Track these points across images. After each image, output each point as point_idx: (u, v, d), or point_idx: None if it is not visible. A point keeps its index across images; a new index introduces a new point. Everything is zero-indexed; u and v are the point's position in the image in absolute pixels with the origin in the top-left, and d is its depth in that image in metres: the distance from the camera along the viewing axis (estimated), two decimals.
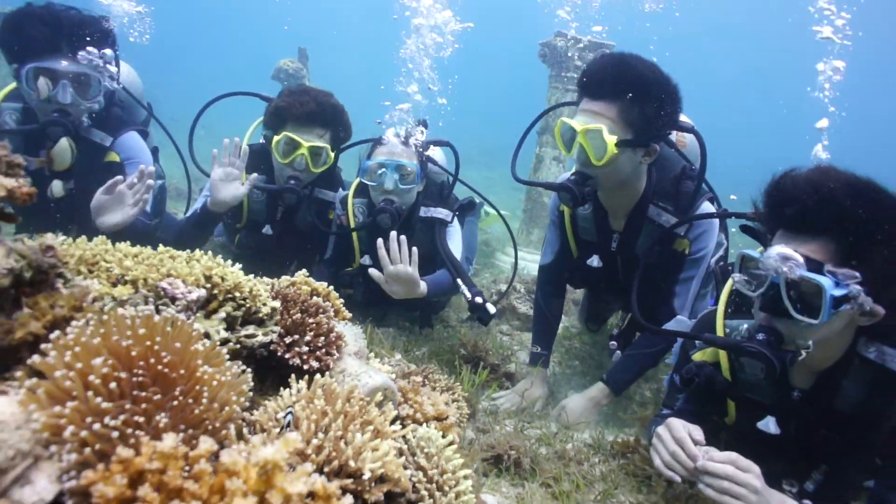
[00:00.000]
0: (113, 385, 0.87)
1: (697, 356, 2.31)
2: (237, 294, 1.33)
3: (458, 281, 3.11)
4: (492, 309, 3.00)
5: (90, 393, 0.85)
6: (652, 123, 2.53)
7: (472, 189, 4.03)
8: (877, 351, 1.82)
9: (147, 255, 1.41)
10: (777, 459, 2.08)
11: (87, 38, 2.77)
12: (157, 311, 1.20)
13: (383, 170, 3.22)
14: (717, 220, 2.83)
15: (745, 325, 2.03)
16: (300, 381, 1.32)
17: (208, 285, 1.29)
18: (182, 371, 0.97)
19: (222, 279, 1.31)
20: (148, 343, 0.94)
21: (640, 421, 2.87)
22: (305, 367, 1.45)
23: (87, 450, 0.82)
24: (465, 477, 1.28)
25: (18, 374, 0.96)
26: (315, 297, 1.66)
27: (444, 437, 1.36)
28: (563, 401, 3.04)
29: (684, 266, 2.81)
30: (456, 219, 3.54)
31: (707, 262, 2.84)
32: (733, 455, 1.76)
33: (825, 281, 1.63)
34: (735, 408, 2.22)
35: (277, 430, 1.12)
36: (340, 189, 3.70)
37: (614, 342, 3.16)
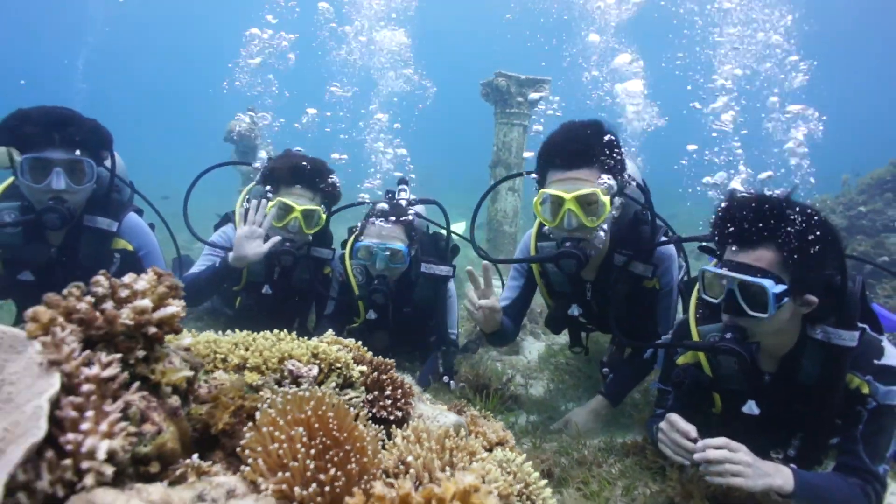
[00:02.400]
0: (312, 451, 1.15)
1: (681, 360, 2.70)
2: (337, 365, 1.61)
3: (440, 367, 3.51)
4: (452, 385, 3.40)
5: (297, 459, 1.12)
6: (619, 177, 2.87)
7: (461, 236, 4.28)
8: (822, 332, 2.25)
9: (249, 342, 1.67)
10: (761, 434, 2.47)
11: (78, 131, 2.92)
12: (281, 386, 1.46)
13: (374, 252, 3.45)
14: (675, 256, 3.21)
15: (715, 329, 2.43)
16: (398, 429, 1.60)
17: (316, 361, 1.56)
18: (346, 434, 1.25)
19: (326, 354, 1.58)
20: (320, 414, 1.22)
21: (639, 422, 3.24)
22: (391, 417, 1.73)
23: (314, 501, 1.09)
24: (546, 485, 1.59)
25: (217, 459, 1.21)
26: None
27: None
28: (568, 414, 3.37)
29: (659, 300, 3.17)
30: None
31: (676, 291, 3.22)
32: (725, 440, 2.10)
33: (766, 282, 2.05)
34: (720, 398, 2.61)
35: (404, 470, 1.40)
36: (334, 247, 3.94)
37: (606, 369, 3.49)
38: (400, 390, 1.80)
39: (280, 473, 1.11)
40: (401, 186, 3.90)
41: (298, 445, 1.14)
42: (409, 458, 1.41)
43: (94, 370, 1.04)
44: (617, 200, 2.86)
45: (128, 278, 1.21)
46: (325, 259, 3.88)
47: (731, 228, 2.19)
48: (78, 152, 2.89)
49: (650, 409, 3.21)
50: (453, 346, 3.87)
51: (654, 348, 2.99)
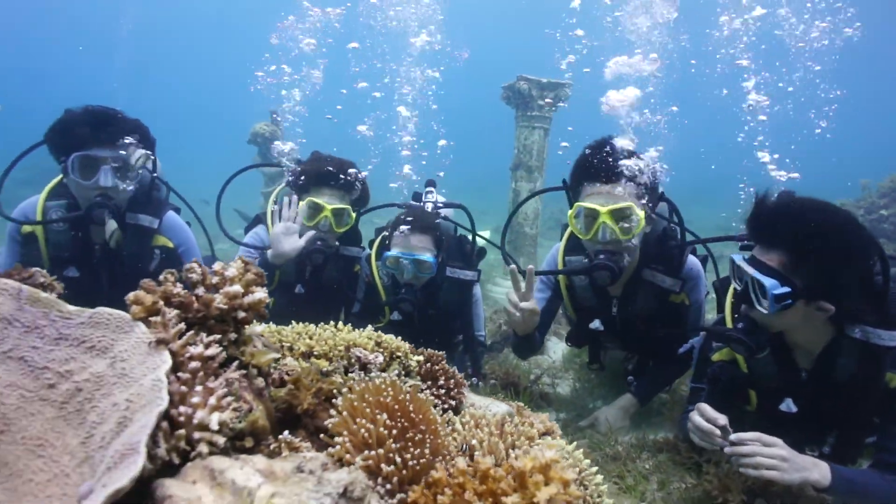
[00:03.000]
0: (394, 431, 1.22)
1: (716, 357, 2.73)
2: (398, 354, 1.67)
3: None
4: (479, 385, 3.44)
5: (383, 439, 1.19)
6: (652, 194, 2.88)
7: (489, 241, 4.32)
8: (861, 331, 2.28)
9: (311, 332, 1.74)
10: (797, 431, 2.50)
11: (123, 130, 3.01)
12: (349, 373, 1.53)
13: (402, 264, 3.44)
14: (703, 274, 3.22)
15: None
16: (455, 416, 1.67)
17: (380, 349, 1.63)
18: (421, 416, 1.31)
19: (388, 343, 1.65)
20: (400, 399, 1.29)
21: (669, 420, 3.28)
22: (446, 405, 1.79)
23: (395, 479, 1.16)
24: (596, 473, 1.65)
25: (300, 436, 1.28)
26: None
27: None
28: (596, 412, 3.42)
29: (689, 315, 3.17)
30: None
31: (704, 307, 3.21)
32: (757, 434, 2.12)
33: (769, 282, 2.10)
34: (756, 395, 2.65)
35: (469, 452, 1.46)
36: (363, 245, 3.98)
37: (631, 377, 3.52)
38: (453, 380, 1.86)
39: (367, 451, 1.17)
40: (428, 188, 3.93)
41: (381, 427, 1.21)
42: (474, 442, 1.47)
43: (199, 349, 1.11)
44: (643, 213, 2.88)
45: (218, 266, 1.28)
46: (355, 257, 3.92)
47: (754, 227, 2.25)
48: (123, 151, 2.97)
49: (679, 408, 3.26)
50: (481, 347, 3.92)
51: (676, 337, 3.01)
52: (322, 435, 1.22)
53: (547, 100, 6.63)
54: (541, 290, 3.55)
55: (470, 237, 4.06)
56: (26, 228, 3.06)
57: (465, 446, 1.38)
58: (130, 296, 1.21)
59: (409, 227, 3.47)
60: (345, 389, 1.32)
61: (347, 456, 1.17)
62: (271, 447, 1.16)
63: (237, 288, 1.23)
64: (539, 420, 2.02)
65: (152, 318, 1.15)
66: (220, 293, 1.22)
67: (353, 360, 1.56)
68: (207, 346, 1.12)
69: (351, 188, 3.64)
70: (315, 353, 1.61)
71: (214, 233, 3.97)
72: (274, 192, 4.12)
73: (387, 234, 3.65)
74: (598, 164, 2.82)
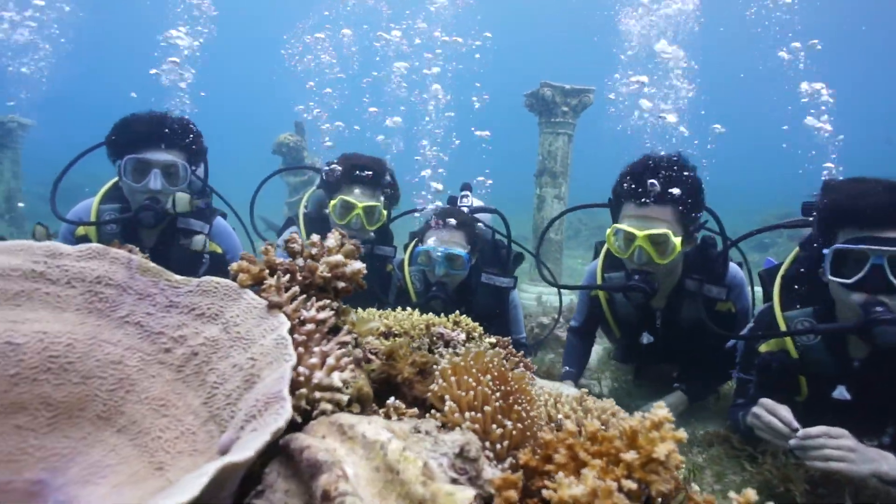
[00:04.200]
0: (497, 394, 1.22)
1: (763, 348, 2.71)
2: (474, 334, 1.68)
3: None
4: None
5: (489, 402, 1.19)
6: (696, 216, 2.84)
7: (523, 248, 4.31)
8: None
9: (383, 314, 1.76)
10: (852, 422, 2.47)
11: (179, 137, 3.06)
12: (432, 350, 1.54)
13: (434, 257, 3.41)
14: (745, 278, 3.15)
15: (802, 315, 2.43)
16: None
17: (459, 328, 1.64)
18: (517, 386, 1.32)
19: (466, 322, 1.66)
20: (502, 369, 1.29)
21: (717, 414, 3.25)
22: None
23: (505, 442, 1.16)
24: None
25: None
26: None
27: None
28: (643, 408, 3.39)
29: (737, 324, 3.10)
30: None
31: (750, 313, 3.13)
32: (824, 427, 2.08)
33: None
34: (807, 384, 2.61)
35: (558, 423, 1.46)
36: (396, 244, 3.95)
37: (677, 384, 3.46)
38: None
39: (474, 413, 1.18)
40: (463, 192, 3.94)
41: (486, 390, 1.21)
42: (560, 416, 1.48)
43: (312, 312, 1.12)
44: (680, 240, 2.80)
45: (315, 237, 1.30)
46: (387, 257, 3.92)
47: (867, 209, 2.11)
48: (174, 156, 3.01)
49: (725, 402, 3.23)
50: (523, 349, 3.88)
51: (753, 340, 2.91)
52: (429, 394, 1.23)
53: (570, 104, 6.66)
54: (584, 301, 3.51)
55: (506, 242, 4.04)
56: (80, 231, 3.10)
57: (558, 419, 1.38)
58: (234, 265, 1.23)
59: (442, 222, 3.47)
60: (443, 359, 1.33)
61: (456, 416, 1.18)
62: (381, 412, 1.17)
63: (339, 257, 1.25)
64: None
65: (263, 285, 1.16)
66: (322, 262, 1.24)
67: (435, 338, 1.57)
68: (320, 309, 1.13)
69: (381, 185, 3.65)
70: (394, 331, 1.62)
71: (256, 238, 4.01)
72: (304, 196, 4.16)
73: (419, 239, 3.65)
74: (638, 185, 2.75)
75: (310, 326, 1.10)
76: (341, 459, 0.90)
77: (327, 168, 3.71)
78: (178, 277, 1.22)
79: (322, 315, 1.13)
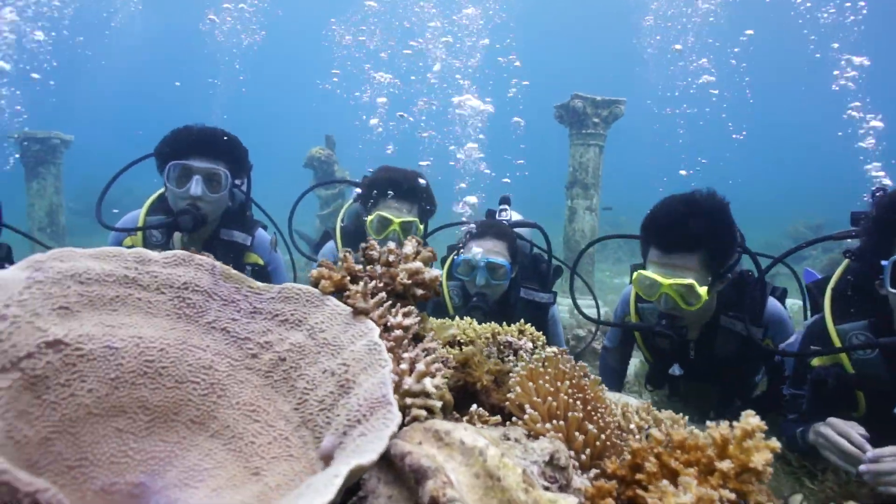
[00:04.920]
0: (577, 403, 1.21)
1: (816, 362, 2.63)
2: (539, 342, 1.67)
3: None
4: None
5: (571, 410, 1.18)
6: (728, 259, 2.69)
7: (562, 262, 4.28)
8: None
9: (457, 324, 1.75)
10: None
11: (224, 148, 3.12)
12: (501, 358, 1.53)
13: (475, 265, 3.33)
14: (787, 316, 2.98)
15: (857, 328, 2.36)
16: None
17: (525, 336, 1.62)
18: (593, 394, 1.30)
19: (531, 331, 1.65)
20: (577, 376, 1.28)
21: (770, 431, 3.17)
22: None
23: (588, 451, 1.14)
24: None
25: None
26: None
27: None
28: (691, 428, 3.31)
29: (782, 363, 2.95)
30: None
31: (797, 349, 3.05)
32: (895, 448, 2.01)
33: None
34: (864, 399, 2.54)
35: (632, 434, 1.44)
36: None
37: (713, 414, 3.35)
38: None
39: (556, 422, 1.17)
40: (502, 206, 3.92)
41: (568, 399, 1.20)
42: (632, 426, 1.45)
43: (399, 318, 1.12)
44: (706, 290, 2.66)
45: (391, 244, 1.31)
46: None
47: None
48: (217, 164, 3.06)
49: (773, 418, 3.15)
50: None
51: (805, 357, 2.79)
52: (507, 402, 1.22)
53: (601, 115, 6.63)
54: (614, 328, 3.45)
55: (545, 257, 3.98)
56: (127, 242, 3.16)
57: (630, 428, 1.36)
58: (315, 272, 1.24)
59: (482, 232, 3.42)
60: (518, 367, 1.32)
61: (539, 426, 1.17)
62: (465, 419, 1.16)
63: (418, 264, 1.25)
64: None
65: (347, 292, 1.17)
66: (402, 269, 1.24)
67: (502, 346, 1.56)
68: (405, 316, 1.14)
69: (419, 199, 3.64)
70: (460, 340, 1.61)
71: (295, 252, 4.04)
72: (341, 210, 4.18)
73: (458, 250, 3.60)
74: (662, 232, 2.63)
75: (397, 333, 1.10)
76: (443, 466, 0.90)
77: (363, 183, 3.72)
78: (259, 284, 1.23)
79: (408, 321, 1.13)
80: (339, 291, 1.22)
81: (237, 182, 3.34)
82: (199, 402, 1.06)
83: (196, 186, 3.00)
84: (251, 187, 3.44)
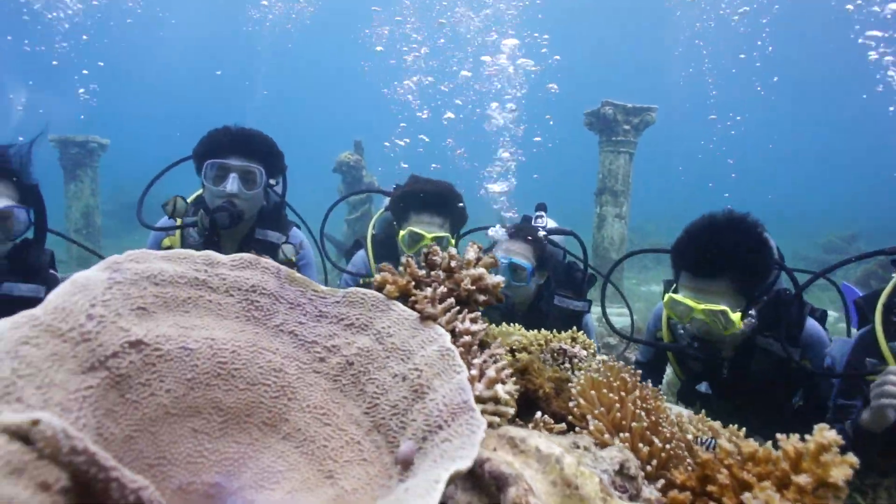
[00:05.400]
0: (641, 414, 1.19)
1: (871, 377, 2.55)
2: (591, 350, 1.66)
3: None
4: None
5: (637, 420, 1.17)
6: (763, 283, 2.62)
7: (596, 271, 4.24)
8: None
9: (511, 331, 1.75)
10: None
11: (259, 148, 3.16)
12: (561, 365, 1.52)
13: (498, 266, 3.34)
14: (826, 336, 2.88)
15: None
16: None
17: (576, 344, 1.61)
18: (654, 403, 1.29)
19: (582, 339, 1.64)
20: (630, 382, 1.27)
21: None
22: None
23: (654, 461, 1.13)
24: None
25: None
26: None
27: None
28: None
29: (817, 382, 2.85)
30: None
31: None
32: None
33: None
34: None
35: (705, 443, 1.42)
36: None
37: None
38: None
39: (622, 433, 1.16)
40: (538, 213, 3.90)
41: (633, 408, 1.19)
42: (689, 436, 1.43)
43: (467, 324, 1.12)
44: (739, 316, 2.59)
45: (452, 250, 1.31)
46: None
47: None
48: (252, 163, 3.11)
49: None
50: None
51: (851, 377, 2.69)
52: (567, 410, 1.21)
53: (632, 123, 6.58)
54: (648, 339, 3.39)
55: (579, 265, 3.94)
56: (165, 242, 3.21)
57: (703, 439, 1.34)
58: (379, 277, 1.25)
59: (511, 234, 3.40)
60: (577, 375, 1.31)
61: (606, 437, 1.16)
62: (530, 426, 1.16)
63: (481, 270, 1.25)
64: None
65: (413, 297, 1.17)
66: (465, 275, 1.24)
67: (556, 354, 1.55)
68: (473, 322, 1.14)
69: (450, 212, 3.56)
70: (513, 347, 1.61)
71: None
72: (374, 217, 4.19)
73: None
74: (694, 257, 2.57)
75: (466, 339, 1.10)
76: (522, 473, 0.89)
77: (395, 194, 3.71)
78: (323, 288, 1.24)
79: (475, 327, 1.13)
80: (404, 297, 1.22)
81: (272, 182, 3.38)
82: (270, 404, 1.07)
83: (232, 184, 3.05)
84: (287, 189, 3.47)
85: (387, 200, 4.01)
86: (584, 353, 1.59)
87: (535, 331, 1.76)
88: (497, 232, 3.50)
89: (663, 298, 3.10)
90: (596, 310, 3.66)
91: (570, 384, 1.38)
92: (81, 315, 0.94)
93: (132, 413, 0.95)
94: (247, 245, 3.32)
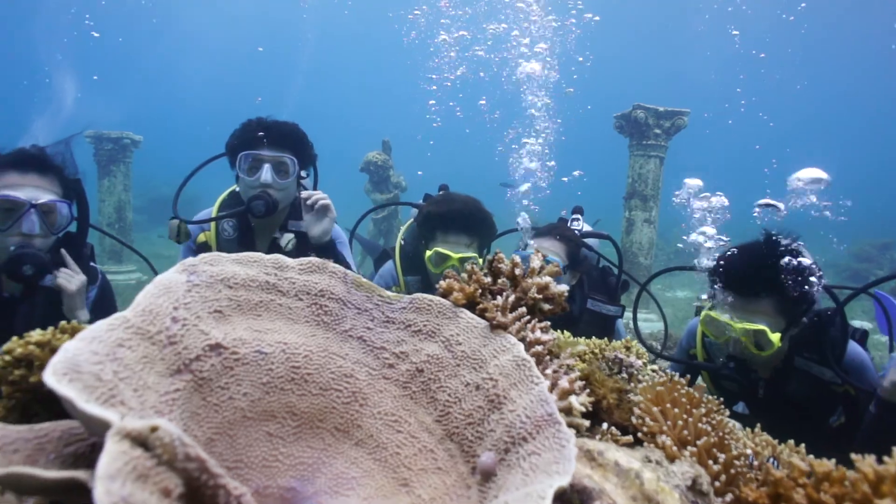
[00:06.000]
0: (709, 428, 1.18)
1: None
2: (646, 360, 1.64)
3: None
4: None
5: (704, 436, 1.15)
6: (804, 305, 2.55)
7: (631, 277, 4.19)
8: None
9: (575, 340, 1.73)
10: None
11: (289, 139, 3.19)
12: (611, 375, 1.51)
13: (562, 275, 3.21)
14: (867, 358, 2.76)
15: None
16: None
17: (630, 353, 1.60)
18: (718, 418, 1.27)
19: (636, 347, 1.62)
20: (703, 401, 1.25)
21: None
22: None
23: (723, 477, 1.11)
24: None
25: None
26: None
27: None
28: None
29: (859, 403, 2.72)
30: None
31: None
32: None
33: None
34: None
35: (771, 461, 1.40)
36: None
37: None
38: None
39: (691, 447, 1.14)
40: (575, 216, 3.86)
41: (701, 424, 1.18)
42: (748, 451, 1.41)
43: (537, 334, 1.12)
44: (778, 337, 2.54)
45: (516, 257, 1.30)
46: None
47: None
48: (284, 153, 3.15)
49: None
50: None
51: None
52: (639, 434, 1.20)
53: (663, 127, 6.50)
54: (680, 356, 3.32)
55: (612, 269, 3.90)
56: (200, 238, 3.25)
57: (771, 458, 1.32)
58: (444, 284, 1.24)
59: (545, 232, 3.37)
60: (641, 386, 1.30)
61: (674, 450, 1.14)
62: (597, 437, 1.15)
63: (547, 279, 1.24)
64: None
65: (482, 305, 1.17)
66: (532, 283, 1.24)
67: (611, 363, 1.54)
68: (543, 331, 1.13)
69: (478, 232, 3.43)
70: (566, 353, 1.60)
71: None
72: (403, 228, 4.12)
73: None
74: (736, 275, 2.53)
75: (537, 349, 1.10)
76: (604, 487, 0.89)
77: (422, 208, 3.63)
78: (389, 293, 1.24)
79: (546, 337, 1.13)
80: (470, 304, 1.22)
81: (303, 175, 3.40)
82: (342, 409, 1.08)
83: (266, 174, 3.09)
84: (318, 179, 3.47)
85: (414, 211, 4.01)
86: (640, 362, 1.57)
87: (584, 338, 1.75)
88: (525, 221, 3.48)
89: (698, 314, 3.05)
90: (626, 314, 3.63)
91: (628, 394, 1.37)
92: (167, 318, 0.95)
93: (213, 416, 0.96)
94: (294, 240, 3.32)
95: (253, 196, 3.07)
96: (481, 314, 1.18)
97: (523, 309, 1.13)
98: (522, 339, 1.12)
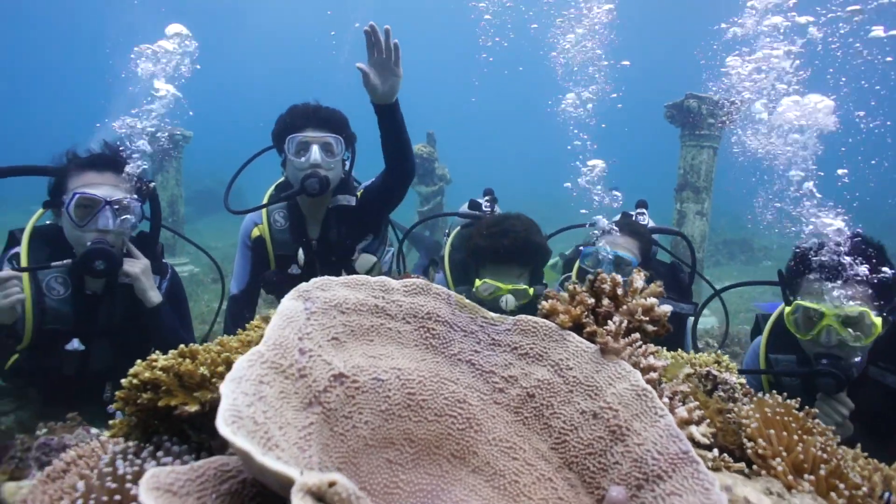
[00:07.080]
0: (824, 456, 1.14)
1: None
2: (734, 372, 1.60)
3: None
4: None
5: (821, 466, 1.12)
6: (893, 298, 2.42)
7: (703, 278, 4.07)
8: None
9: (682, 360, 1.71)
10: None
11: (332, 120, 3.24)
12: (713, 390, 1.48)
13: (602, 258, 3.22)
14: None
15: None
16: None
17: (723, 369, 1.56)
18: (831, 446, 1.23)
19: (727, 362, 1.59)
20: (817, 429, 1.22)
21: None
22: None
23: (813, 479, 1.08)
24: None
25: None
26: None
27: None
28: None
29: None
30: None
31: None
32: None
33: None
34: None
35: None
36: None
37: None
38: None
39: (809, 476, 1.12)
40: (639, 210, 3.79)
41: (818, 452, 1.15)
42: (859, 480, 1.37)
43: (651, 360, 1.10)
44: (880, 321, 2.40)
45: (618, 278, 1.28)
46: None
47: None
48: (329, 133, 3.19)
49: None
50: None
51: None
52: (757, 463, 1.17)
53: (720, 119, 6.33)
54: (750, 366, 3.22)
55: (682, 266, 3.80)
56: (255, 233, 3.33)
57: (887, 494, 1.28)
58: (547, 305, 1.24)
59: (617, 227, 3.27)
60: (746, 408, 1.27)
61: (790, 479, 1.12)
62: (710, 465, 1.13)
63: (652, 300, 1.22)
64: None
65: (589, 328, 1.16)
66: (637, 305, 1.22)
67: (703, 379, 1.51)
68: (656, 357, 1.11)
69: (529, 260, 3.23)
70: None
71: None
72: (451, 235, 3.97)
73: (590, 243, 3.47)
74: (828, 261, 2.42)
75: (651, 375, 1.08)
76: None
77: (470, 238, 3.49)
78: (492, 315, 1.24)
79: (659, 363, 1.11)
80: (576, 327, 1.21)
81: (347, 156, 3.42)
82: (458, 436, 1.08)
83: (315, 154, 3.15)
84: (355, 158, 3.45)
85: (460, 218, 3.98)
86: (734, 379, 1.54)
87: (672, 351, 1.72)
88: (601, 223, 3.41)
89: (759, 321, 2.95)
90: (692, 311, 3.56)
91: (728, 413, 1.34)
92: (294, 350, 0.96)
93: (339, 446, 0.97)
94: (330, 219, 3.32)
95: (305, 176, 3.11)
96: (589, 337, 1.17)
97: (636, 335, 1.11)
98: (635, 365, 1.11)
